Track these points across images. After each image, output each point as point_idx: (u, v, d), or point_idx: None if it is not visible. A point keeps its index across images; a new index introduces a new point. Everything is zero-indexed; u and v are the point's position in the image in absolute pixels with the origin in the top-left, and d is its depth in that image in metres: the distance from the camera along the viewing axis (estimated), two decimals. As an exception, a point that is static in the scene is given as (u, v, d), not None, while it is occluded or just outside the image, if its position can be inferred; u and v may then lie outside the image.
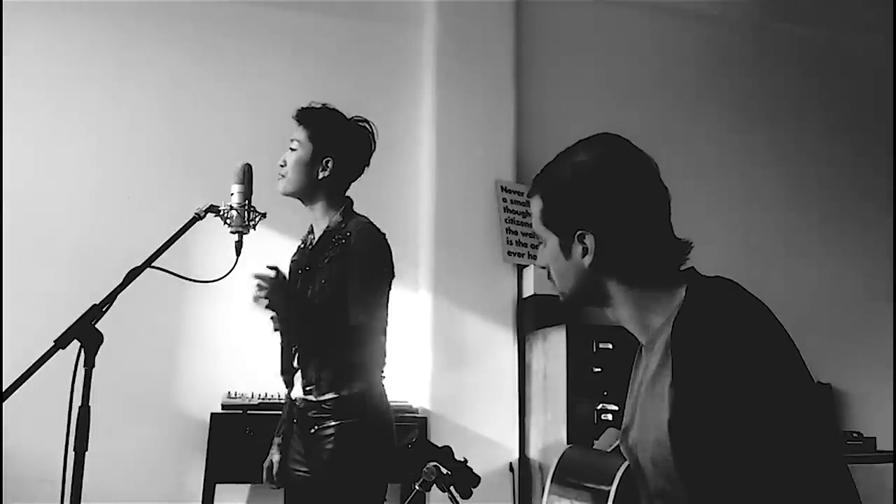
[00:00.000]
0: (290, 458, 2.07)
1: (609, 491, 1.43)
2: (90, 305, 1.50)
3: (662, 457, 1.07)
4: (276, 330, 2.03)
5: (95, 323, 1.48)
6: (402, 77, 3.89)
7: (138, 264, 1.61)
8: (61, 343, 1.43)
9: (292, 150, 2.07)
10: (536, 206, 1.24)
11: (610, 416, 3.19)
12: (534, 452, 3.49)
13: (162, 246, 1.67)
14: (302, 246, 2.17)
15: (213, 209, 1.81)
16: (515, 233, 3.72)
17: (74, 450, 1.43)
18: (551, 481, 1.51)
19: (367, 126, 2.13)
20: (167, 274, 1.68)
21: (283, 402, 2.20)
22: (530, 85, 4.00)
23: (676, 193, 1.20)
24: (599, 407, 3.20)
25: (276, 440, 2.15)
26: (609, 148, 1.20)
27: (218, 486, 3.02)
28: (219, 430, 3.06)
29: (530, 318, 3.56)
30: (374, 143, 2.14)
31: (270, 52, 3.76)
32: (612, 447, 1.49)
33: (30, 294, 3.25)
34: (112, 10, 3.60)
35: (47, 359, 1.41)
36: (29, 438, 2.96)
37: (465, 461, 1.69)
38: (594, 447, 1.60)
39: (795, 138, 4.41)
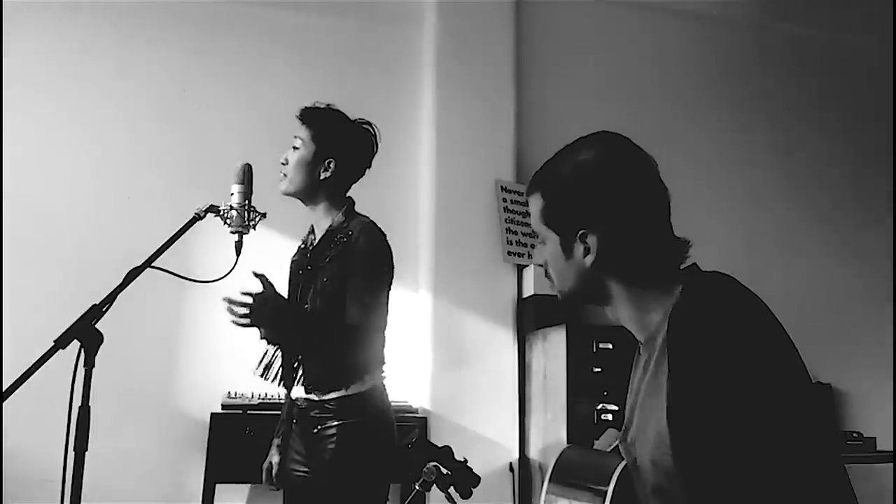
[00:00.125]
0: (290, 458, 2.07)
1: (606, 490, 1.43)
2: (90, 305, 1.50)
3: (661, 453, 1.07)
4: (263, 338, 2.02)
5: (95, 323, 1.48)
6: (402, 77, 3.89)
7: (138, 264, 1.61)
8: (61, 343, 1.43)
9: (295, 148, 2.07)
10: (536, 204, 1.22)
11: (610, 416, 3.19)
12: (534, 452, 3.49)
13: (162, 246, 1.67)
14: (303, 246, 2.16)
15: (213, 209, 1.81)
16: (515, 233, 3.72)
17: (74, 450, 1.43)
18: (549, 481, 1.51)
19: (370, 128, 2.14)
20: (167, 274, 1.68)
21: (283, 402, 2.20)
22: (530, 85, 4.00)
23: (676, 193, 1.20)
24: (599, 407, 3.20)
25: (276, 441, 2.15)
26: (611, 146, 1.20)
27: (218, 486, 3.02)
28: (219, 430, 3.06)
29: (530, 318, 3.56)
30: (377, 145, 2.14)
31: (270, 52, 3.76)
32: (612, 447, 1.49)
33: (30, 294, 3.25)
34: (112, 11, 3.60)
35: (47, 359, 1.41)
36: (29, 438, 2.96)
37: (465, 461, 1.69)
38: (594, 447, 1.60)
39: (795, 138, 4.41)
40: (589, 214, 1.16)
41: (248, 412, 3.05)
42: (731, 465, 0.98)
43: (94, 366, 1.46)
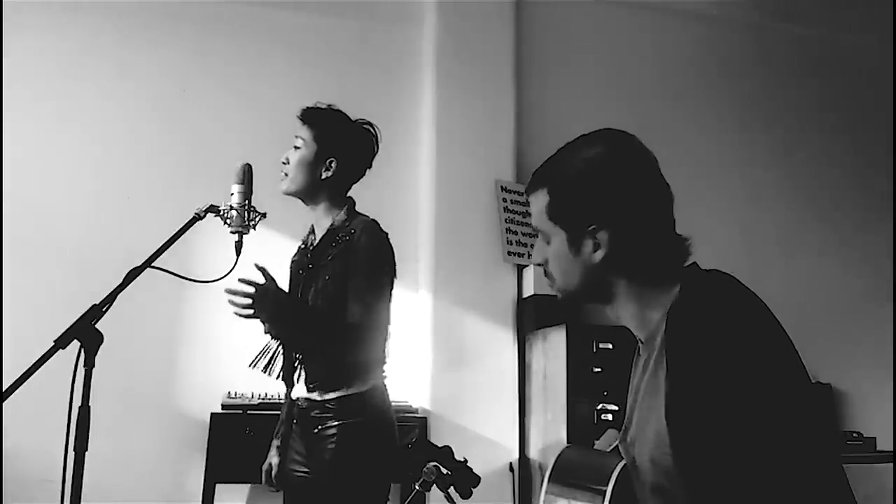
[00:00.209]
0: (290, 459, 2.07)
1: (606, 490, 1.43)
2: (90, 305, 1.50)
3: (660, 452, 1.07)
4: (266, 332, 2.03)
5: (95, 323, 1.48)
6: (402, 77, 3.89)
7: (138, 264, 1.61)
8: (61, 343, 1.43)
9: (296, 148, 2.07)
10: (541, 200, 1.20)
11: (610, 416, 3.19)
12: (534, 452, 3.49)
13: (162, 246, 1.67)
14: (303, 246, 2.16)
15: (213, 209, 1.81)
16: (515, 233, 3.72)
17: (74, 450, 1.43)
18: (548, 481, 1.51)
19: (371, 129, 2.14)
20: (167, 274, 1.68)
21: (283, 402, 2.20)
22: (530, 85, 4.00)
23: (676, 193, 1.20)
24: (599, 407, 3.20)
25: (275, 442, 2.15)
26: (617, 142, 1.19)
27: (218, 486, 3.02)
28: (219, 430, 3.06)
29: (530, 318, 3.56)
30: (377, 145, 2.14)
31: (270, 53, 3.76)
32: (612, 447, 1.49)
33: (30, 294, 3.25)
34: (112, 11, 3.60)
35: (47, 359, 1.41)
36: (29, 438, 2.96)
37: (465, 461, 1.69)
38: (595, 447, 1.60)
39: (795, 138, 4.41)
40: (600, 209, 1.14)
41: (248, 412, 3.05)
42: (729, 464, 0.98)
43: (94, 366, 1.46)
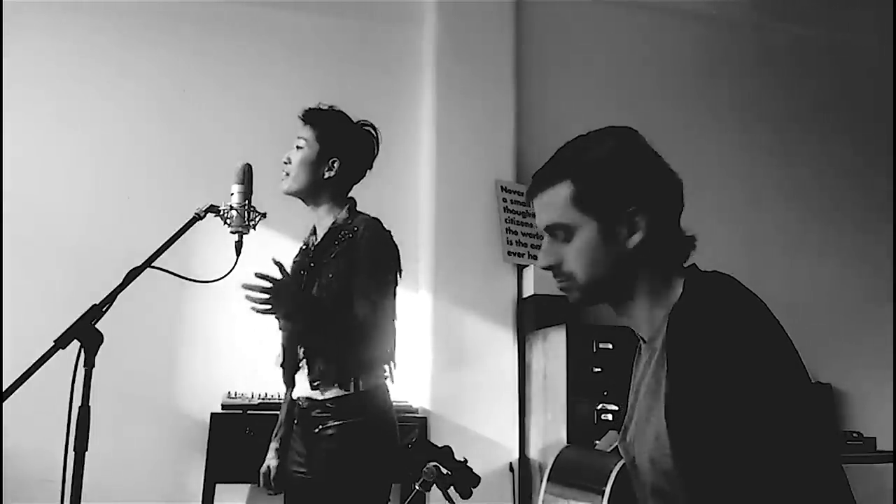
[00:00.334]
0: (290, 460, 2.06)
1: (604, 490, 1.43)
2: (90, 305, 1.50)
3: (660, 453, 1.07)
4: (281, 329, 2.02)
5: (95, 323, 1.48)
6: (402, 77, 3.89)
7: (138, 264, 1.61)
8: (61, 343, 1.43)
9: (298, 148, 2.08)
10: (562, 192, 1.15)
11: (610, 416, 3.19)
12: (534, 452, 3.49)
13: (162, 246, 1.67)
14: (304, 247, 2.16)
15: (213, 209, 1.81)
16: (515, 233, 3.72)
17: (74, 450, 1.43)
18: (548, 481, 1.51)
19: (372, 131, 2.15)
20: (167, 274, 1.68)
21: (282, 402, 2.20)
22: (530, 85, 4.00)
23: (676, 193, 1.20)
24: (599, 407, 3.20)
25: (273, 445, 2.14)
26: (628, 135, 1.18)
27: (218, 486, 3.02)
28: (219, 430, 3.06)
29: (530, 318, 3.56)
30: (378, 147, 2.15)
31: (270, 53, 3.76)
32: (612, 447, 1.49)
33: (30, 294, 3.25)
34: (112, 11, 3.60)
35: (47, 359, 1.41)
36: (29, 438, 2.96)
37: (465, 461, 1.69)
38: (596, 448, 1.61)
39: (795, 138, 4.41)
40: (637, 191, 1.12)
41: (248, 412, 3.05)
42: (729, 465, 0.98)
43: (94, 366, 1.45)
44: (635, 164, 1.15)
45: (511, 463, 3.48)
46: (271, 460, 2.12)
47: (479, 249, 3.65)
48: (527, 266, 3.65)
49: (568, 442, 3.13)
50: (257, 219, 1.86)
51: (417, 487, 1.67)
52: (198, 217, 1.79)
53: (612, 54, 4.21)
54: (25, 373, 1.38)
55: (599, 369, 3.25)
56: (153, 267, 1.64)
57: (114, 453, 2.98)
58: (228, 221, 1.82)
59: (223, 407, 3.10)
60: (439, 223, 3.64)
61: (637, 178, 1.14)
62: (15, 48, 3.46)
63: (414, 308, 3.58)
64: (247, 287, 1.80)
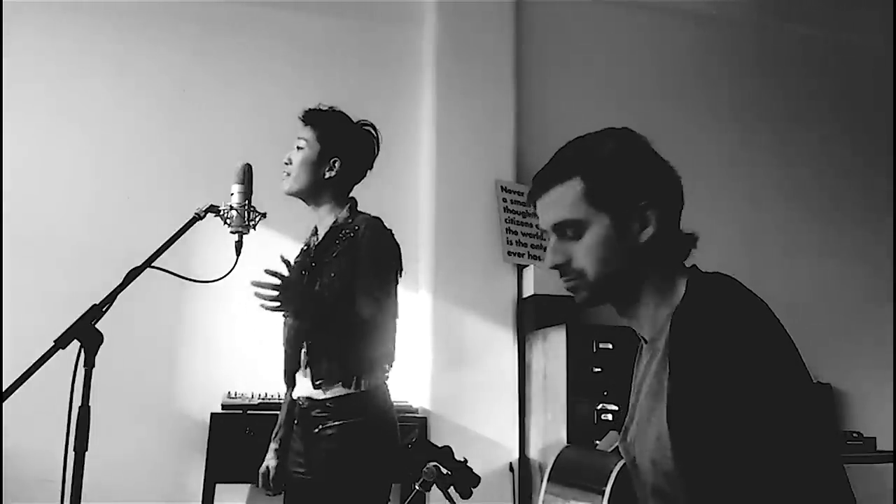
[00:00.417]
0: (290, 460, 2.06)
1: (605, 490, 1.43)
2: (90, 305, 1.50)
3: (661, 454, 1.07)
4: (289, 326, 2.01)
5: (95, 323, 1.48)
6: (402, 77, 3.89)
7: (138, 264, 1.61)
8: (61, 343, 1.43)
9: (299, 148, 2.08)
10: (572, 189, 1.15)
11: (610, 417, 3.19)
12: (534, 452, 3.49)
13: (162, 246, 1.67)
14: (305, 247, 2.16)
15: (213, 209, 1.81)
16: (515, 233, 3.72)
17: (74, 450, 1.43)
18: (548, 481, 1.51)
19: (372, 131, 2.15)
20: (167, 274, 1.68)
21: (282, 402, 2.19)
22: (530, 85, 4.00)
23: (676, 193, 1.20)
24: (599, 407, 3.20)
25: (273, 445, 2.14)
26: (632, 133, 1.19)
27: (218, 486, 3.02)
28: (219, 430, 3.06)
29: (530, 318, 3.56)
30: (378, 147, 2.16)
31: (270, 52, 3.76)
32: (613, 448, 1.49)
33: (30, 294, 3.25)
34: (112, 10, 3.60)
35: (47, 359, 1.41)
36: (29, 438, 2.96)
37: (465, 461, 1.69)
38: (597, 448, 1.61)
39: (795, 138, 4.41)
40: (648, 185, 1.13)
41: (248, 412, 3.05)
42: (731, 468, 0.98)
43: (94, 366, 1.45)
44: (643, 159, 1.16)
45: (511, 463, 3.48)
46: (270, 461, 2.12)
47: (479, 249, 3.65)
48: (527, 266, 3.65)
49: (568, 442, 3.13)
50: (257, 219, 1.86)
51: (417, 487, 1.66)
52: (198, 217, 1.79)
53: (612, 54, 4.21)
54: (25, 373, 1.38)
55: (599, 369, 3.24)
56: (153, 267, 1.64)
57: (114, 453, 2.97)
58: (228, 221, 1.82)
59: (223, 407, 3.10)
60: (439, 223, 3.64)
61: (646, 173, 1.15)
62: (15, 48, 3.46)
63: (414, 308, 3.58)
64: (256, 284, 1.80)
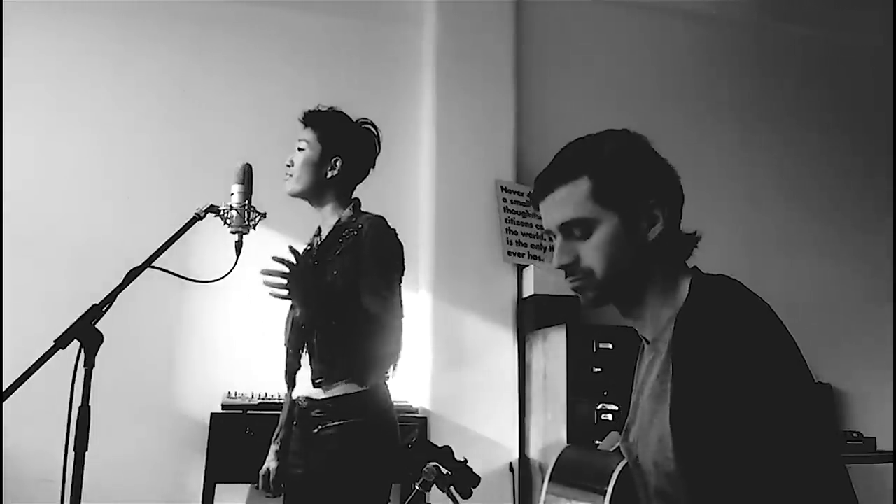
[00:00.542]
0: (290, 459, 2.06)
1: (606, 490, 1.43)
2: (90, 305, 1.50)
3: (664, 455, 1.07)
4: (296, 318, 2.01)
5: (95, 323, 1.48)
6: (402, 77, 3.89)
7: (138, 264, 1.61)
8: (61, 343, 1.43)
9: (300, 150, 2.08)
10: (580, 188, 1.14)
11: (610, 417, 3.18)
12: (534, 452, 3.49)
13: (162, 246, 1.67)
14: (308, 248, 2.16)
15: (213, 209, 1.81)
16: (515, 233, 3.72)
17: (74, 450, 1.43)
18: (549, 481, 1.51)
19: (373, 129, 2.15)
20: (167, 274, 1.68)
21: (282, 402, 2.19)
22: (530, 85, 3.99)
23: (676, 193, 1.21)
24: (599, 407, 3.20)
25: (274, 447, 2.14)
26: (632, 134, 1.19)
27: (218, 486, 3.02)
28: (219, 430, 3.05)
29: (530, 318, 3.56)
30: (379, 144, 2.16)
31: (270, 52, 3.76)
32: (614, 448, 1.49)
33: (30, 294, 3.25)
34: (112, 10, 3.60)
35: (47, 359, 1.41)
36: (29, 438, 2.96)
37: (465, 461, 1.68)
38: (598, 448, 1.60)
39: (795, 138, 4.41)
40: (656, 183, 1.14)
41: (248, 412, 3.05)
42: (734, 470, 0.98)
43: (94, 366, 1.46)
44: (647, 157, 1.17)
45: (511, 463, 3.48)
46: (271, 462, 2.11)
47: (479, 249, 3.65)
48: (527, 266, 3.65)
49: (568, 442, 3.13)
50: (257, 219, 1.86)
51: (417, 487, 1.66)
52: (198, 217, 1.79)
53: (612, 54, 4.21)
54: (25, 373, 1.38)
55: (599, 369, 3.24)
56: (153, 267, 1.64)
57: (114, 453, 2.97)
58: (228, 221, 1.82)
59: (223, 407, 3.09)
60: (439, 223, 3.64)
61: (651, 171, 1.16)
62: (15, 48, 3.46)
63: (414, 308, 3.57)
64: (265, 272, 1.79)
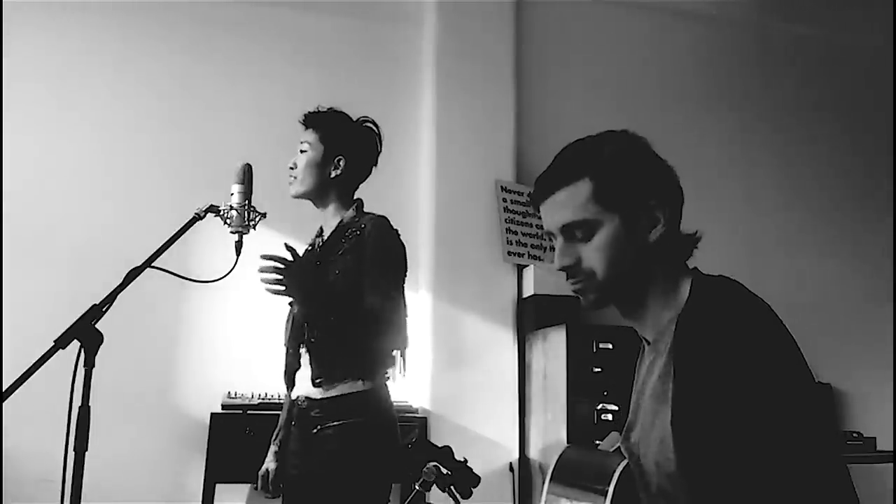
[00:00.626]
0: (289, 459, 2.06)
1: (607, 490, 1.43)
2: (90, 305, 1.50)
3: (665, 456, 1.07)
4: (296, 315, 2.01)
5: (95, 323, 1.48)
6: (402, 77, 3.89)
7: (138, 264, 1.61)
8: (61, 343, 1.43)
9: (302, 152, 2.08)
10: (582, 190, 1.14)
11: (610, 417, 3.19)
12: (534, 452, 3.49)
13: (162, 246, 1.67)
14: (310, 248, 2.16)
15: (213, 209, 1.81)
16: (515, 233, 3.72)
17: (74, 450, 1.43)
18: (550, 481, 1.51)
19: (374, 127, 2.15)
20: (167, 274, 1.68)
21: (282, 402, 2.19)
22: (530, 85, 3.99)
23: (676, 193, 1.20)
24: (599, 407, 3.20)
25: (273, 447, 2.13)
26: (632, 135, 1.19)
27: (218, 486, 3.02)
28: (219, 430, 3.06)
29: (530, 318, 3.56)
30: (381, 143, 2.16)
31: (271, 52, 3.76)
32: (614, 448, 1.49)
33: (30, 294, 3.25)
34: (112, 10, 3.60)
35: (47, 359, 1.41)
36: (29, 438, 2.96)
37: (465, 461, 1.68)
38: (598, 448, 1.60)
39: (795, 138, 4.41)
40: (656, 184, 1.14)
41: (248, 412, 3.05)
42: (735, 471, 0.98)
43: (94, 366, 1.45)
44: (647, 159, 1.17)
45: (511, 463, 3.48)
46: (270, 463, 2.11)
47: (479, 249, 3.65)
48: (527, 266, 3.65)
49: (568, 442, 3.13)
50: (257, 219, 1.86)
51: (417, 487, 1.66)
52: (198, 217, 1.79)
53: (612, 54, 4.21)
54: (25, 373, 1.38)
55: (599, 369, 3.24)
56: (153, 267, 1.64)
57: (114, 453, 2.98)
58: (228, 221, 1.82)
59: (223, 407, 3.09)
60: (439, 223, 3.64)
61: (652, 172, 1.16)
62: (15, 48, 3.46)
63: (414, 308, 3.56)
64: (262, 269, 1.80)
